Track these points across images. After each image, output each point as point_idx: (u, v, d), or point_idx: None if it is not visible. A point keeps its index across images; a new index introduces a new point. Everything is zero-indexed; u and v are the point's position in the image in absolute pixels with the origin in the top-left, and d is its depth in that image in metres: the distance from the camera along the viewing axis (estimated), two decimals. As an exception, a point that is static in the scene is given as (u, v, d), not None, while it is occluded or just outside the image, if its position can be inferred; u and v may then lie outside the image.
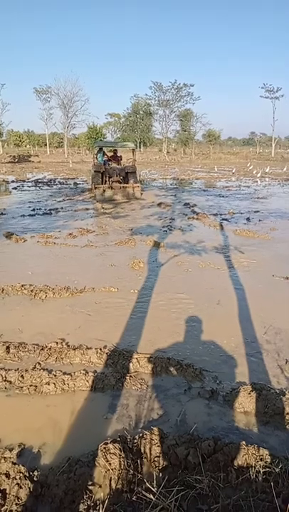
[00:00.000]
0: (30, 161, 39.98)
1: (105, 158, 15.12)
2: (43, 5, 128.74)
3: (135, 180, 14.07)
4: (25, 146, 67.98)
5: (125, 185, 13.84)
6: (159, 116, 57.71)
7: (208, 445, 2.16)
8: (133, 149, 15.87)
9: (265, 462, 2.04)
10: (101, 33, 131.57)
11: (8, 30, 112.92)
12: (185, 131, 58.52)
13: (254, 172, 25.87)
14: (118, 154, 15.74)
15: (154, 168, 32.77)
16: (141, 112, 58.47)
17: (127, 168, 14.46)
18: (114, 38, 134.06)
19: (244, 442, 2.16)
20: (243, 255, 6.47)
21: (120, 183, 13.92)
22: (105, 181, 13.90)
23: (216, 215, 10.45)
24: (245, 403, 2.64)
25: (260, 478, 1.96)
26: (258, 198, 14.19)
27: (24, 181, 20.80)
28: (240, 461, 2.08)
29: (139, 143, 59.51)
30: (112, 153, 15.56)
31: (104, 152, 15.21)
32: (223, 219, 9.85)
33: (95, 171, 14.04)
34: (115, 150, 15.67)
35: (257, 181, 21.11)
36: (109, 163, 14.89)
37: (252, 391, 2.71)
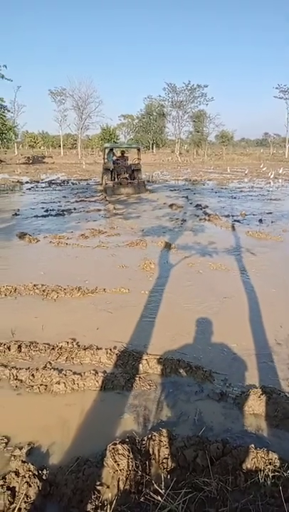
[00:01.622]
0: (44, 162, 40.44)
1: (114, 157, 16.69)
2: (56, 6, 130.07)
3: (140, 176, 16.02)
4: (40, 148, 68.80)
5: (132, 180, 15.64)
6: (172, 117, 57.69)
7: (216, 448, 2.15)
8: (138, 149, 17.63)
9: (274, 466, 2.02)
10: (115, 34, 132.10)
11: (23, 31, 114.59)
12: (198, 132, 58.33)
13: (269, 174, 25.62)
14: (125, 155, 17.34)
15: (166, 169, 32.76)
16: (154, 113, 58.53)
17: (133, 166, 16.27)
18: (128, 40, 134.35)
19: (253, 446, 2.15)
20: (255, 257, 6.41)
21: (127, 179, 15.74)
22: (114, 178, 15.70)
23: (227, 216, 10.39)
24: (255, 406, 2.62)
25: (268, 483, 1.94)
26: (270, 199, 14.04)
27: (38, 182, 21.04)
28: (248, 464, 2.06)
29: (152, 144, 59.58)
30: (119, 154, 17.16)
31: (113, 153, 16.87)
32: (235, 220, 9.78)
33: (105, 169, 15.95)
34: (123, 151, 17.43)
35: (270, 182, 20.90)
36: (118, 162, 16.49)
37: (262, 394, 2.68)
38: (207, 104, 56.71)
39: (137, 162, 16.55)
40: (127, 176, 15.97)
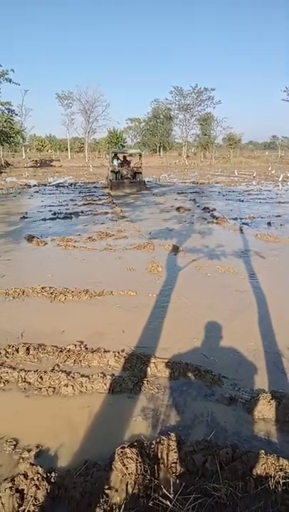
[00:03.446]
0: (51, 166, 40.71)
1: (119, 161, 19.21)
2: (63, 11, 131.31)
3: (141, 178, 18.77)
4: (47, 151, 69.28)
5: (133, 180, 18.38)
6: (179, 120, 57.64)
7: (226, 453, 2.13)
8: (140, 155, 20.21)
9: (285, 473, 1.99)
10: (122, 38, 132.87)
11: (29, 34, 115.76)
12: (205, 135, 58.14)
13: (277, 176, 25.47)
14: (128, 159, 20.02)
15: (173, 171, 32.77)
16: (161, 117, 58.55)
17: (135, 169, 19.01)
18: (135, 43, 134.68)
19: (263, 451, 2.12)
20: (264, 260, 6.37)
21: (129, 178, 18.42)
22: (119, 178, 18.32)
23: (235, 219, 10.34)
24: (265, 411, 2.59)
25: (279, 490, 1.91)
26: (279, 202, 13.96)
27: (46, 185, 21.18)
28: (259, 470, 2.03)
29: (159, 147, 59.64)
30: (123, 158, 19.73)
31: (117, 157, 19.48)
32: (243, 223, 9.74)
33: (111, 171, 18.58)
34: (125, 156, 20.04)
35: (278, 185, 20.79)
36: (122, 165, 19.14)
37: (272, 399, 2.65)
38: (214, 107, 56.64)
39: (138, 166, 19.32)
40: (129, 176, 18.61)
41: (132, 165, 19.61)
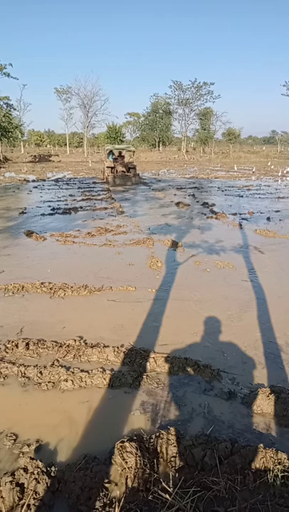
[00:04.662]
0: (50, 161, 40.52)
1: (114, 157, 21.00)
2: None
3: (134, 171, 20.34)
4: (46, 146, 68.97)
5: (128, 174, 20.01)
6: (179, 115, 57.34)
7: (225, 447, 2.14)
8: (133, 151, 22.53)
9: (284, 466, 2.00)
10: (120, 33, 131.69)
11: (28, 28, 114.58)
12: (204, 129, 57.91)
13: (277, 171, 25.40)
14: (123, 154, 21.65)
15: (172, 167, 32.65)
16: (160, 111, 58.20)
17: (129, 164, 20.70)
18: (134, 38, 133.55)
19: (262, 445, 2.13)
20: (264, 255, 6.37)
21: (124, 172, 20.12)
22: (114, 173, 19.93)
23: (235, 214, 10.32)
24: (264, 405, 2.60)
25: (278, 483, 1.93)
26: (278, 197, 13.93)
27: (44, 181, 21.10)
28: (257, 464, 2.04)
29: (158, 142, 59.38)
30: (118, 154, 21.27)
31: (113, 153, 21.18)
32: (242, 218, 9.72)
33: (107, 167, 20.31)
34: (120, 151, 21.43)
35: (278, 180, 20.74)
36: (117, 160, 20.79)
37: (270, 393, 2.66)
38: (214, 102, 56.62)
39: (132, 161, 21.41)
40: (124, 170, 20.18)
41: (126, 160, 21.29)
